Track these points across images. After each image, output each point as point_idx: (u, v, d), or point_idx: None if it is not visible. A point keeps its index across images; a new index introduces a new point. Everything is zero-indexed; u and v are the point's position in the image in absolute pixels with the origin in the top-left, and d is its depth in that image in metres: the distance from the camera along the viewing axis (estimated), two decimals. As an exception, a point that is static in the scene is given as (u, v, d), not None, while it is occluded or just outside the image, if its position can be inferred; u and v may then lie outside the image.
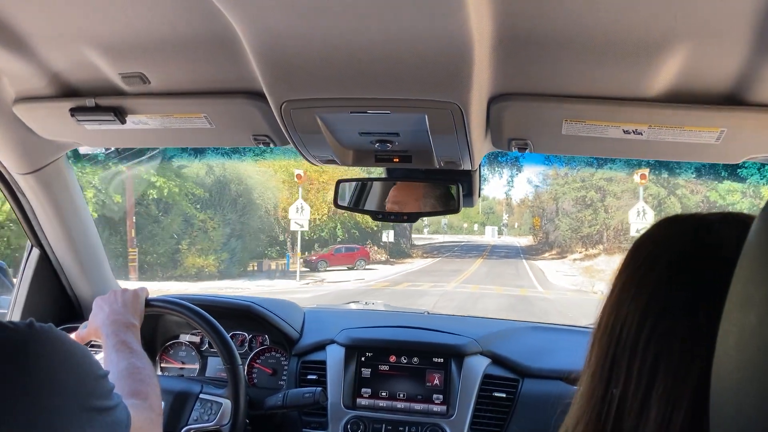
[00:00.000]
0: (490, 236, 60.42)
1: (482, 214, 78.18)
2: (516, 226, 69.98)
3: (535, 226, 46.53)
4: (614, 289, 0.68)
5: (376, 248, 34.98)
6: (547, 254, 38.10)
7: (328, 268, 28.16)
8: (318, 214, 30.44)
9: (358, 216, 29.28)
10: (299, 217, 22.84)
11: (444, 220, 65.96)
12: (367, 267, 29.75)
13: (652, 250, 0.68)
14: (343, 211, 1.71)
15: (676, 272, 0.63)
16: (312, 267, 28.04)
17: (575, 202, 36.03)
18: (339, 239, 32.56)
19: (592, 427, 0.65)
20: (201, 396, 1.67)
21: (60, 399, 0.80)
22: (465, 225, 75.05)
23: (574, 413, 0.69)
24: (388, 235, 34.86)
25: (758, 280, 0.44)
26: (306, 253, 29.98)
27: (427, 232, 60.83)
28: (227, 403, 1.62)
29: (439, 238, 58.55)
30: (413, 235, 46.74)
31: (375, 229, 33.64)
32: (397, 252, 37.51)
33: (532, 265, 32.07)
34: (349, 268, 28.81)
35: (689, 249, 0.65)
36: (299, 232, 23.95)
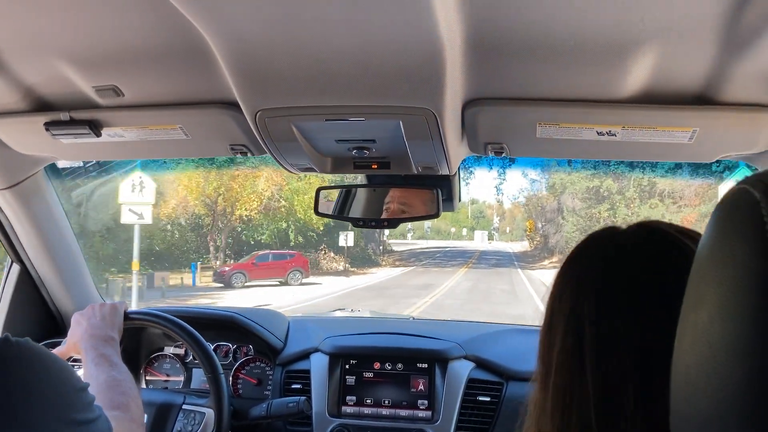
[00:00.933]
0: (479, 241, 59.62)
1: (472, 219, 77.84)
2: (508, 231, 69.74)
3: (528, 229, 43.28)
4: (553, 294, 0.78)
5: (332, 254, 28.48)
6: (546, 262, 32.90)
7: (247, 283, 21.16)
8: (246, 210, 24.45)
9: (301, 214, 24.42)
10: (137, 201, 12.79)
11: (427, 224, 65.29)
12: (305, 281, 22.30)
13: (573, 267, 0.80)
14: (323, 218, 1.70)
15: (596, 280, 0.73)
16: (225, 282, 21.04)
17: (584, 196, 30.02)
18: (292, 244, 26.04)
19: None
20: (184, 407, 1.66)
21: (39, 414, 0.79)
22: (453, 229, 74.63)
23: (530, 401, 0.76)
24: (347, 238, 26.79)
25: (709, 280, 0.45)
26: (230, 261, 23.62)
27: (411, 237, 59.35)
28: (210, 413, 1.61)
29: (423, 244, 56.00)
30: (394, 241, 42.05)
31: (323, 229, 27.49)
32: (361, 259, 30.83)
33: (531, 276, 26.10)
34: (281, 283, 21.82)
35: (606, 261, 0.74)
36: (136, 227, 13.55)
